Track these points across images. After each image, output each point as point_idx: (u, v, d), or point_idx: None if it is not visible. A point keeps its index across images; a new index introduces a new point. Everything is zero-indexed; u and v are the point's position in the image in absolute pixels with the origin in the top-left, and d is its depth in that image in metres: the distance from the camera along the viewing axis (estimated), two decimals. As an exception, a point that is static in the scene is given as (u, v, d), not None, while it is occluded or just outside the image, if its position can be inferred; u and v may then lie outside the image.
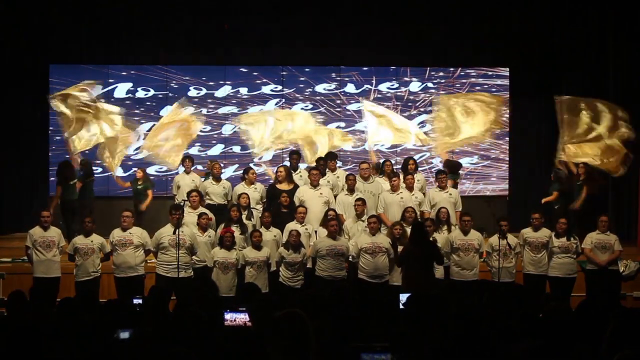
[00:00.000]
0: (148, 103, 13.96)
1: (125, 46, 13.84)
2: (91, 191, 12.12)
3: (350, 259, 9.57)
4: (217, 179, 11.30)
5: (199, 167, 12.90)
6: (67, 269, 9.77)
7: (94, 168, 12.38)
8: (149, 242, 9.61)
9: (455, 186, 11.51)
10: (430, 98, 14.07)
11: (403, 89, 14.28)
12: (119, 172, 12.98)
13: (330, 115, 14.19)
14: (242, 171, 11.90)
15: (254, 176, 10.98)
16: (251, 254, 9.41)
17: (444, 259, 9.37)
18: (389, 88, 14.26)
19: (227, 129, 14.06)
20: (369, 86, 14.22)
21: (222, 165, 12.11)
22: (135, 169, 12.81)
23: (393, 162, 12.32)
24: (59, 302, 6.14)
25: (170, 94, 13.95)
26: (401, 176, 10.94)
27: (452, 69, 14.31)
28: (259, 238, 9.49)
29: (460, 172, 12.71)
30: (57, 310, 5.69)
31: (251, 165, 12.85)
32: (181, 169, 11.84)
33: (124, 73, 13.93)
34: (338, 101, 14.21)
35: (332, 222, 9.55)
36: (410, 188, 10.67)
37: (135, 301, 5.64)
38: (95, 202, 12.19)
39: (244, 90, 14.11)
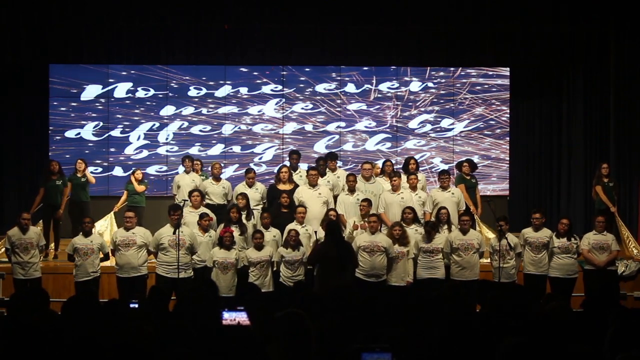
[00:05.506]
0: (148, 103, 13.95)
1: (125, 46, 13.82)
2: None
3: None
4: (217, 179, 11.29)
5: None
6: (67, 269, 9.78)
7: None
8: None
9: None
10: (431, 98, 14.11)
11: (403, 88, 14.26)
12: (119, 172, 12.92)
13: (331, 115, 14.18)
14: (241, 171, 11.86)
15: (252, 181, 10.93)
16: (253, 254, 9.39)
17: (357, 261, 9.17)
18: (389, 88, 14.25)
19: (227, 129, 14.05)
20: (369, 86, 14.21)
21: (222, 165, 12.09)
22: (134, 168, 12.76)
23: (393, 162, 12.32)
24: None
25: (170, 94, 13.95)
26: (403, 177, 10.92)
27: (452, 68, 14.29)
28: (260, 240, 9.47)
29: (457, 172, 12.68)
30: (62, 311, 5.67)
31: (251, 165, 12.89)
32: (181, 168, 11.79)
33: (124, 73, 13.92)
34: (338, 101, 14.19)
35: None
36: (414, 188, 10.65)
37: (132, 305, 5.57)
38: (91, 203, 12.15)
39: (244, 90, 14.09)
